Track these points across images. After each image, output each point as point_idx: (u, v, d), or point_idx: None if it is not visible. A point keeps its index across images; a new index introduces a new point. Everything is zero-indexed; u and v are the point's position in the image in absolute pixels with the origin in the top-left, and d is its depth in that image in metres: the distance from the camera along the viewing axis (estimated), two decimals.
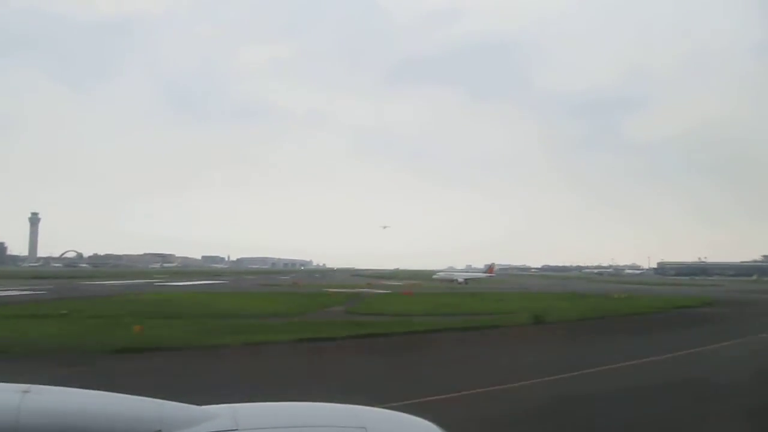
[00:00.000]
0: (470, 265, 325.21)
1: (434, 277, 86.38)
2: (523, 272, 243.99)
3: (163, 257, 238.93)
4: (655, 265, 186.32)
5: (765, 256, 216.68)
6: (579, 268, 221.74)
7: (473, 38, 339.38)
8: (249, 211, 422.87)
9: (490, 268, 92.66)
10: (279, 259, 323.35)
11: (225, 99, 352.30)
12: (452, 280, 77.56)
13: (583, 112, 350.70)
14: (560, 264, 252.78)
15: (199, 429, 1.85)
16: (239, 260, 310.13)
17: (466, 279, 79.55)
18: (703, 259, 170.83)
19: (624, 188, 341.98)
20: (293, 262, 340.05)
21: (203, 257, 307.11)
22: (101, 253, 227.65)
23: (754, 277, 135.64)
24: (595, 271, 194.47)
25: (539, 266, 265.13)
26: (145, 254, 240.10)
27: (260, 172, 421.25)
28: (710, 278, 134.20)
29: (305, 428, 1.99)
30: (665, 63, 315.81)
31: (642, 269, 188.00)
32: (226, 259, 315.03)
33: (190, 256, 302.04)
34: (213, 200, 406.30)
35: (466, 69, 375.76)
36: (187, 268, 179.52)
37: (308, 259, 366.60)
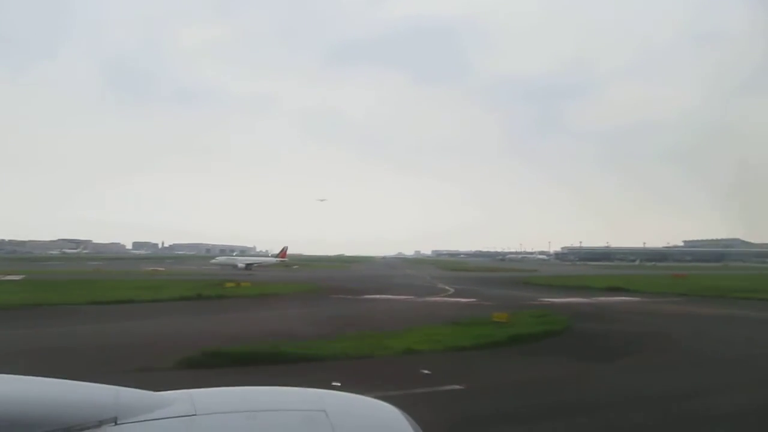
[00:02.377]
0: (401, 253, 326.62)
1: (212, 262, 77.29)
2: (453, 256, 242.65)
3: (77, 243, 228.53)
4: (559, 250, 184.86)
5: (685, 242, 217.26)
6: (503, 254, 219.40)
7: (418, 21, 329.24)
8: (189, 197, 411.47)
9: (282, 252, 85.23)
10: (214, 245, 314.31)
11: (163, 81, 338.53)
12: (233, 266, 69.93)
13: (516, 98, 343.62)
14: (491, 249, 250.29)
15: (156, 415, 1.78)
16: (172, 246, 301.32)
17: (248, 264, 71.72)
18: (608, 245, 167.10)
19: (563, 175, 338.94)
20: (231, 248, 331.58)
21: (134, 243, 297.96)
22: (8, 238, 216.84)
23: (637, 262, 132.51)
24: (498, 257, 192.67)
25: (473, 251, 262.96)
26: (58, 240, 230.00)
27: (201, 156, 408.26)
28: (593, 263, 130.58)
29: (265, 412, 1.90)
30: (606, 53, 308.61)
31: (549, 254, 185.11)
32: (160, 246, 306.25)
33: (119, 242, 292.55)
34: (150, 185, 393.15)
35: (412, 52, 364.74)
36: (79, 254, 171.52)
37: (251, 245, 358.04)
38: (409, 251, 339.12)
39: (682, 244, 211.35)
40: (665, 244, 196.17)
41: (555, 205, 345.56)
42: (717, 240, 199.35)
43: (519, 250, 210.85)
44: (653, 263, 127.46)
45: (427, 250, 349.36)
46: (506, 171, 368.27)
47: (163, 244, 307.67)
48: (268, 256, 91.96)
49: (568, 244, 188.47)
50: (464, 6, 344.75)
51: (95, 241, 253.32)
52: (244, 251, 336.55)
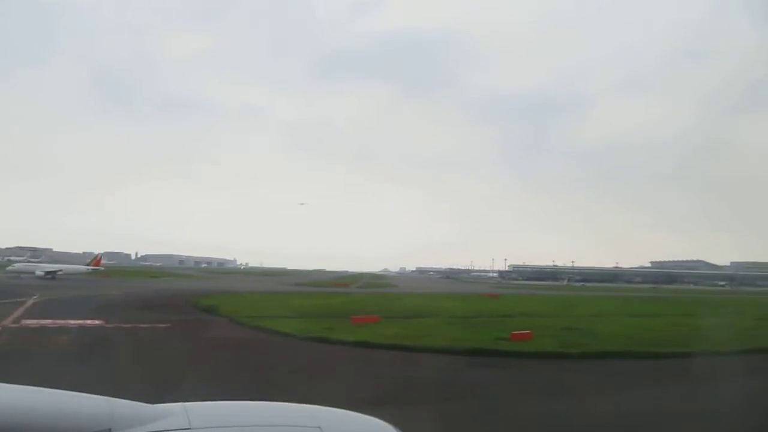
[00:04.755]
0: (404, 268, 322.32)
1: (9, 269, 67.74)
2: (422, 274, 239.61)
3: (35, 251, 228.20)
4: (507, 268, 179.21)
5: (653, 262, 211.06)
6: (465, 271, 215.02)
7: (405, 35, 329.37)
8: (167, 207, 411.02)
9: (95, 260, 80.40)
10: (188, 256, 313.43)
11: (146, 90, 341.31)
12: (32, 273, 62.00)
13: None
14: (459, 267, 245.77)
15: (151, 427, 1.79)
16: (144, 257, 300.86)
17: (50, 272, 63.96)
18: (555, 264, 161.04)
19: (547, 193, 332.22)
20: (209, 261, 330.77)
21: (106, 253, 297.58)
22: None
23: (565, 282, 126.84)
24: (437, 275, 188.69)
25: (444, 269, 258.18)
26: (15, 247, 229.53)
27: (181, 166, 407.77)
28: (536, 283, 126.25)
29: (259, 428, 1.92)
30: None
31: (496, 271, 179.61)
32: (133, 256, 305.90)
33: (92, 251, 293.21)
34: (128, 194, 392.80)
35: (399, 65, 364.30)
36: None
37: (231, 258, 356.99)
38: (394, 267, 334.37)
39: (649, 264, 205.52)
40: (634, 265, 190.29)
41: (534, 223, 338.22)
42: (682, 261, 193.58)
43: (471, 267, 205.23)
44: (582, 284, 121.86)
45: (412, 266, 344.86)
46: (495, 188, 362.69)
47: (136, 254, 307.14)
48: (88, 265, 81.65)
49: (518, 263, 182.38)
50: (455, 18, 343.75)
51: (56, 249, 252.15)
52: (222, 263, 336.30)
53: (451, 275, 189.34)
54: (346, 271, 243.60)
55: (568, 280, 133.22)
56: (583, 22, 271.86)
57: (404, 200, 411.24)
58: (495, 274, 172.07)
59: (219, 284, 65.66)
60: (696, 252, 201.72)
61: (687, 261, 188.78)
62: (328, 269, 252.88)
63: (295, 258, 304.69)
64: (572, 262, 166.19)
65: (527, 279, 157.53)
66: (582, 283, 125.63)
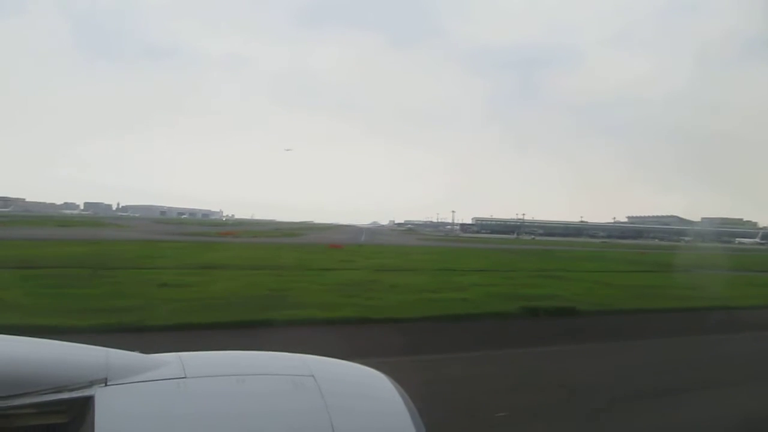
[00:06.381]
0: (376, 222, 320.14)
1: None
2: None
3: (5, 201, 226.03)
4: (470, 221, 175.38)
5: (629, 218, 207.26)
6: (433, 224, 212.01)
7: None
8: (151, 157, 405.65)
9: None
10: (171, 207, 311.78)
11: (128, 38, 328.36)
12: None
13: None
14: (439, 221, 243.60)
15: (146, 377, 1.77)
16: (125, 208, 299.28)
17: None
18: (520, 216, 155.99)
19: (519, 149, 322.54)
20: (191, 211, 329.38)
21: (86, 204, 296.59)
22: None
23: (515, 236, 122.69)
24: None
25: (421, 221, 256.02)
26: None
27: (168, 116, 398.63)
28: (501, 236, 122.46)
29: (254, 376, 1.90)
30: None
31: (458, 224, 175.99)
32: (114, 207, 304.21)
33: (73, 202, 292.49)
34: (111, 144, 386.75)
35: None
36: None
37: (216, 210, 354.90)
38: (384, 220, 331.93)
39: (626, 219, 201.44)
40: (611, 220, 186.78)
41: (519, 176, 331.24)
42: (659, 216, 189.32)
43: (441, 221, 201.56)
44: (532, 237, 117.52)
45: (401, 219, 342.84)
46: (480, 142, 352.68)
47: (118, 205, 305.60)
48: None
49: (477, 215, 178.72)
50: None
51: (29, 199, 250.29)
52: (206, 215, 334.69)
53: (415, 228, 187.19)
54: (321, 223, 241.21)
55: (517, 234, 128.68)
56: None
57: (395, 155, 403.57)
58: (457, 227, 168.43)
59: None
60: (672, 208, 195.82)
61: (662, 216, 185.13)
62: (315, 222, 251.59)
63: (286, 210, 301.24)
64: (529, 216, 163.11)
65: (492, 232, 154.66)
66: (532, 237, 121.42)
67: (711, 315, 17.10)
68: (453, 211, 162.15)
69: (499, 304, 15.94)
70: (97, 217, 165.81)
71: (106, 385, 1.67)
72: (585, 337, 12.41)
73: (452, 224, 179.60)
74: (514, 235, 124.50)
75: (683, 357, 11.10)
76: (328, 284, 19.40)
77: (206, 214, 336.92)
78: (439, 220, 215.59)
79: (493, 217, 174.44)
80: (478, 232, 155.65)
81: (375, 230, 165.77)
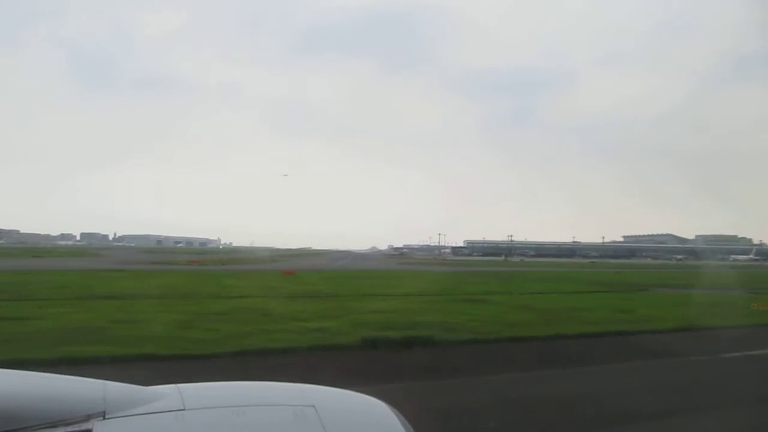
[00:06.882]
0: (374, 247, 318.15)
1: None
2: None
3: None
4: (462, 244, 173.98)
5: (625, 237, 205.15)
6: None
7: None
8: (148, 187, 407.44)
9: None
10: (167, 236, 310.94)
11: (122, 69, 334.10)
12: None
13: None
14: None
15: (145, 409, 1.74)
16: (122, 237, 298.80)
17: None
18: (511, 239, 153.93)
19: (515, 171, 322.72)
20: (188, 240, 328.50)
21: (82, 234, 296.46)
22: None
23: (503, 258, 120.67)
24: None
25: (416, 245, 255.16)
26: None
27: (166, 144, 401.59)
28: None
29: (254, 407, 1.88)
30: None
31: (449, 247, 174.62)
32: (110, 237, 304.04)
33: (70, 233, 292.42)
34: (111, 176, 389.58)
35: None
36: None
37: (214, 238, 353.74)
38: (383, 245, 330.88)
39: (622, 239, 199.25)
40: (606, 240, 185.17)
41: (514, 198, 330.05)
42: (653, 235, 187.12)
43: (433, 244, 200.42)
44: (521, 258, 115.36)
45: (399, 244, 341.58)
46: (477, 166, 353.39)
47: (115, 235, 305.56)
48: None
49: (473, 238, 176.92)
50: None
51: (23, 231, 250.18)
52: (204, 243, 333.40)
53: (405, 252, 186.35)
54: (317, 249, 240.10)
55: (506, 257, 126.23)
56: None
57: (393, 180, 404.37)
58: (448, 250, 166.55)
59: None
60: (666, 226, 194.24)
61: (657, 235, 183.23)
62: (313, 248, 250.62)
63: (286, 236, 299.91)
64: (524, 237, 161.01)
65: (484, 254, 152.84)
66: (521, 258, 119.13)
67: (602, 341, 15.25)
68: (440, 234, 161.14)
69: (352, 335, 14.10)
70: (85, 247, 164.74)
71: (104, 418, 1.63)
72: (399, 374, 10.52)
73: (443, 247, 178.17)
74: (503, 258, 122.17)
75: (499, 398, 9.20)
76: (191, 313, 17.61)
77: (203, 242, 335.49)
78: (435, 244, 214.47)
79: (485, 239, 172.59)
80: (469, 254, 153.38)
81: (366, 255, 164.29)
